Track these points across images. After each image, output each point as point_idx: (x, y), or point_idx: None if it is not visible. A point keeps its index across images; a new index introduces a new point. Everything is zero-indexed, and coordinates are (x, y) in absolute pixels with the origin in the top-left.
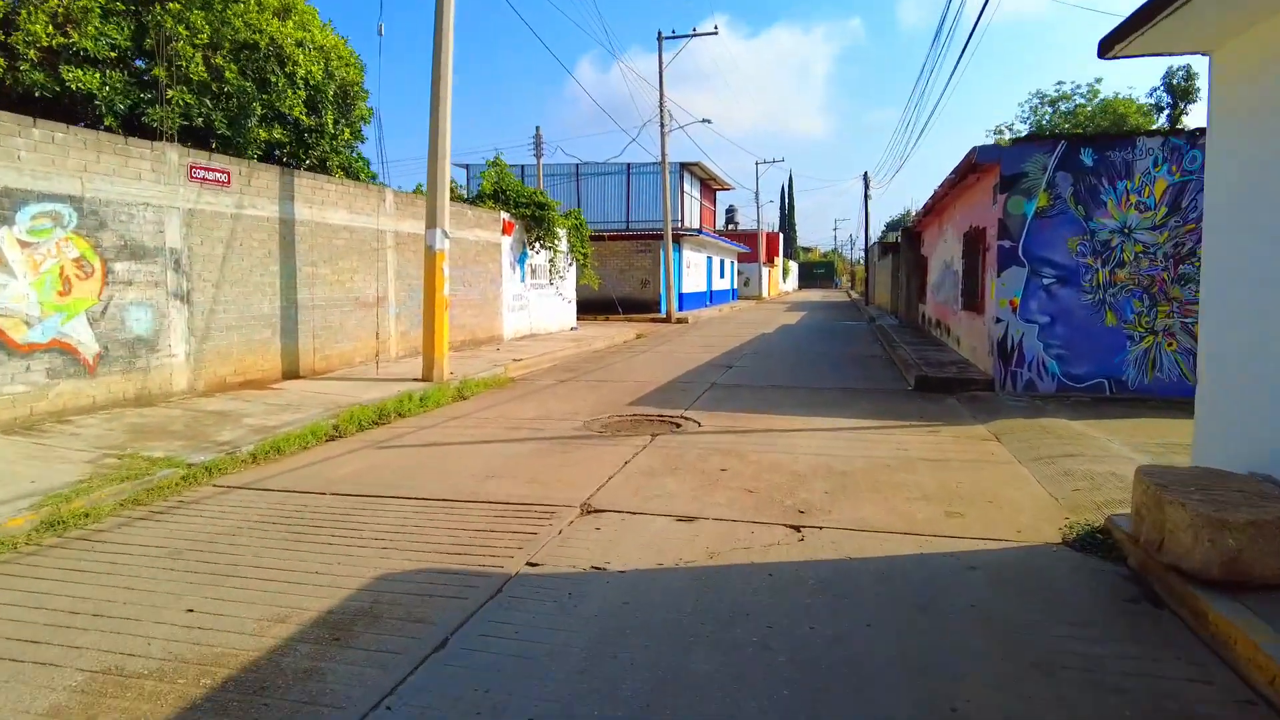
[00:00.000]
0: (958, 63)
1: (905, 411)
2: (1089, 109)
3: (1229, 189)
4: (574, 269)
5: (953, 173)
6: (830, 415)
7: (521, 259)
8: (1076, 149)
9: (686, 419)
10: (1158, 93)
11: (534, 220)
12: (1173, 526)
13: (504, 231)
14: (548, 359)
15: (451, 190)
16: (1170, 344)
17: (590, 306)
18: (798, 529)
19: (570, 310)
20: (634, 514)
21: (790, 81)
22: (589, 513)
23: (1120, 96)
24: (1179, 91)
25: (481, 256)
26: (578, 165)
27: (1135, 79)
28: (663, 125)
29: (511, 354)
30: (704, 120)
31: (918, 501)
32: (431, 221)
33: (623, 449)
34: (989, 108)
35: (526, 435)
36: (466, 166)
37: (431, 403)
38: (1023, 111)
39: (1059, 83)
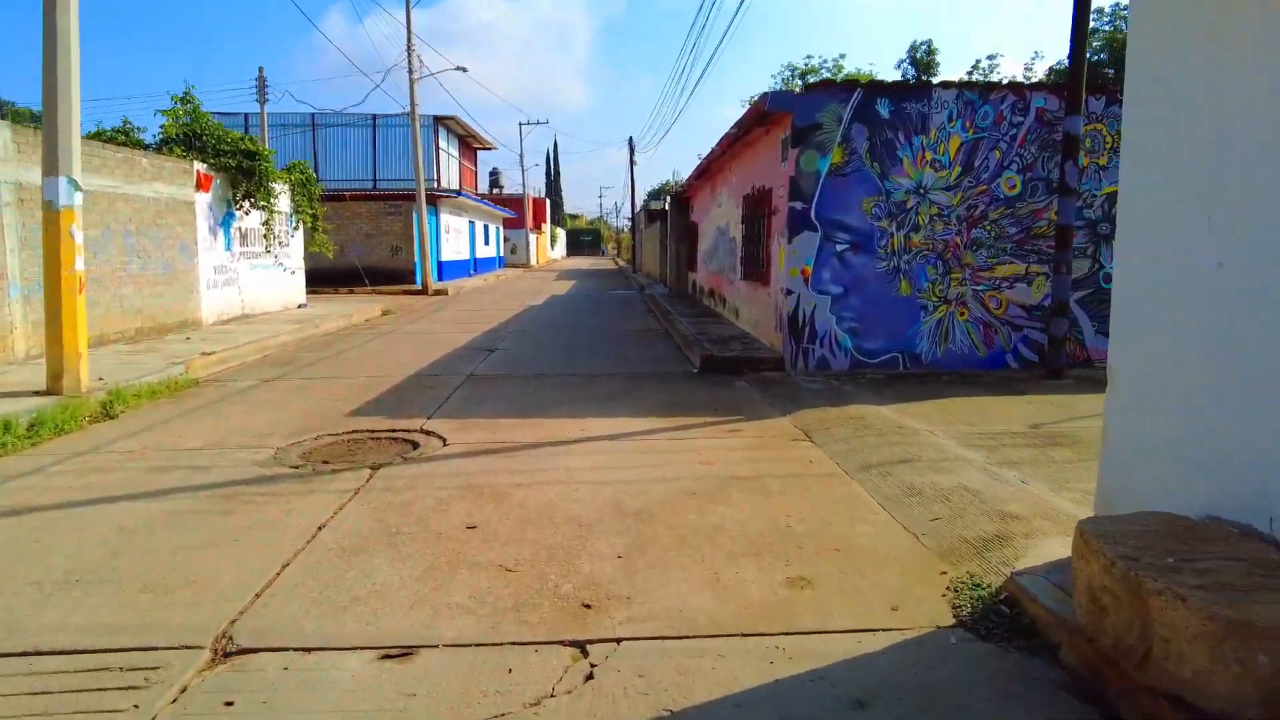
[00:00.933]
0: (723, 38)
1: (697, 402)
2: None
3: (1164, 136)
4: (300, 234)
5: (735, 126)
6: (613, 414)
7: (226, 222)
8: (873, 99)
9: (428, 434)
10: (903, 65)
11: (242, 173)
12: (1170, 633)
13: (199, 187)
14: (256, 349)
15: (125, 135)
16: (962, 313)
17: (329, 278)
18: (584, 649)
19: (296, 284)
20: (309, 651)
21: (552, 47)
22: (225, 657)
23: (863, 71)
24: (922, 65)
25: (166, 218)
26: (313, 115)
27: (878, 55)
28: (411, 69)
29: (206, 344)
30: (459, 68)
31: (746, 560)
32: (52, 166)
33: (320, 500)
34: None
35: (175, 484)
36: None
37: (49, 429)
38: (775, 84)
39: (808, 56)
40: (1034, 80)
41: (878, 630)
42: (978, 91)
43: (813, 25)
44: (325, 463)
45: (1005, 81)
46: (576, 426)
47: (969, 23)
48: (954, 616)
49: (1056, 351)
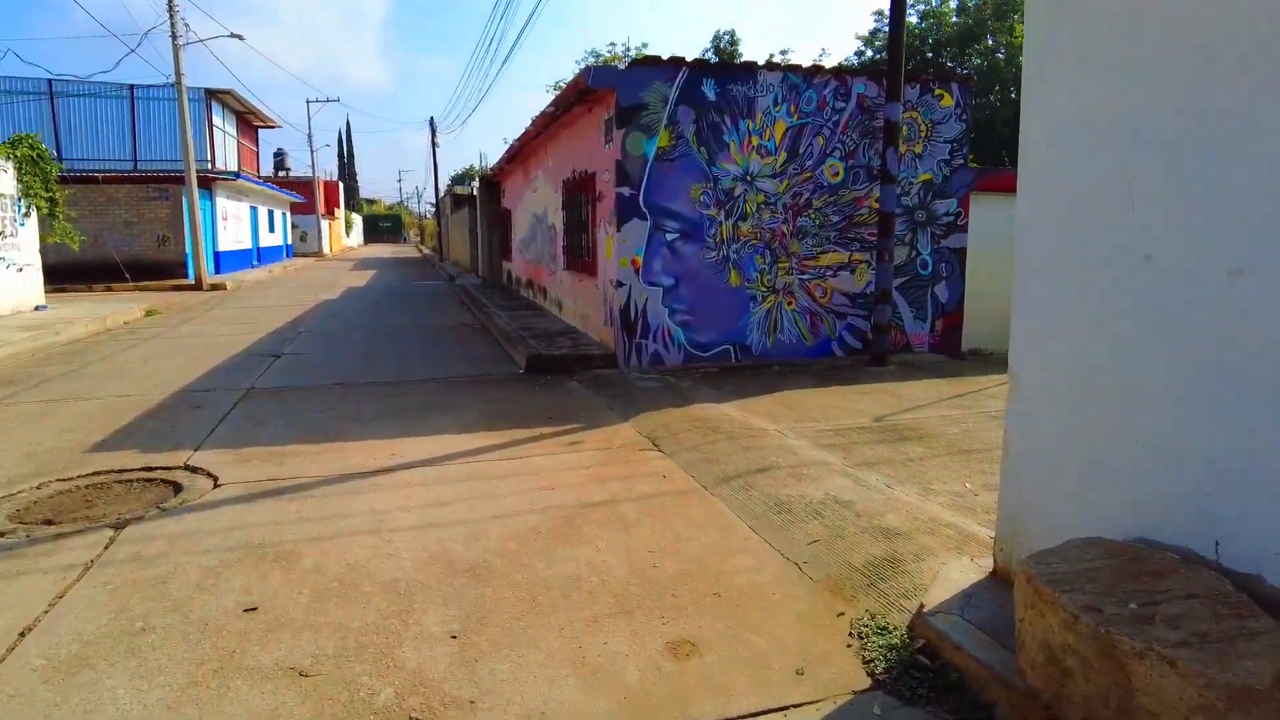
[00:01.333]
0: (531, 17)
1: (528, 410)
2: None
3: (1074, 107)
4: (33, 222)
5: (553, 104)
6: (430, 429)
7: None
8: (699, 78)
9: (195, 471)
10: (708, 54)
11: None
12: (1158, 705)
13: None
14: None
15: None
16: (790, 303)
17: (79, 274)
18: None
19: (29, 283)
20: None
21: (345, 20)
22: None
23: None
24: (725, 56)
25: None
26: (51, 81)
27: (682, 45)
28: (175, 33)
29: None
30: (235, 35)
31: (615, 623)
32: None
33: (32, 585)
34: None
35: None
36: None
37: None
38: (578, 69)
39: (611, 44)
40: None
41: (789, 709)
42: (802, 75)
43: (618, 13)
44: (48, 523)
45: (828, 66)
46: (387, 450)
47: (767, 16)
48: (869, 675)
49: (880, 338)
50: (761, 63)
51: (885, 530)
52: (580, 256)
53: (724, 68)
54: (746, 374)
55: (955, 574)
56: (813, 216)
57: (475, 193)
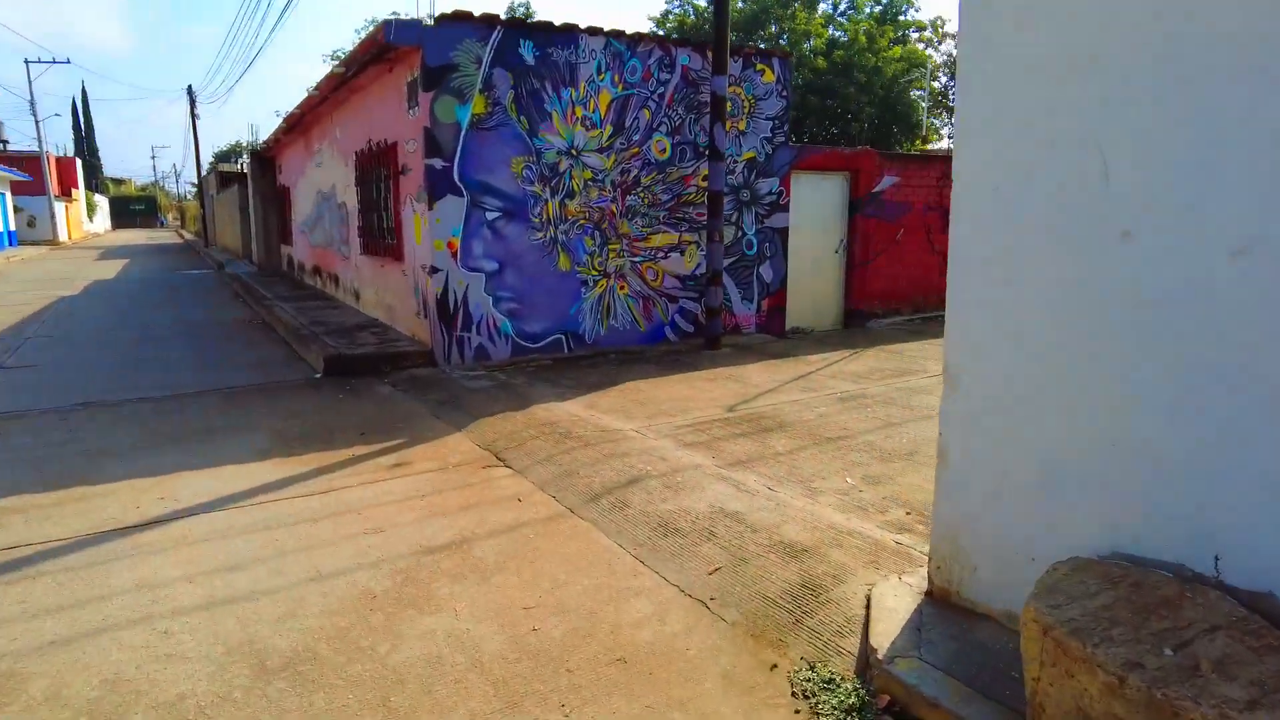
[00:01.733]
0: None
1: (334, 424)
2: None
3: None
4: None
5: (343, 64)
6: (212, 459)
7: None
8: (516, 39)
9: None
10: None
11: None
12: None
13: None
14: None
15: None
16: (622, 287)
17: None
18: None
19: None
20: None
21: None
22: None
23: None
24: None
25: None
26: None
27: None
28: None
29: None
30: None
31: None
32: None
33: None
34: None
35: None
36: None
37: None
38: (359, 39)
39: (394, 13)
40: None
41: None
42: (625, 42)
43: None
44: None
45: (650, 34)
46: (155, 492)
47: None
48: None
49: (713, 321)
50: (583, 26)
51: (789, 547)
52: (381, 239)
53: (543, 28)
54: (583, 365)
55: (890, 600)
56: (641, 195)
57: (246, 169)
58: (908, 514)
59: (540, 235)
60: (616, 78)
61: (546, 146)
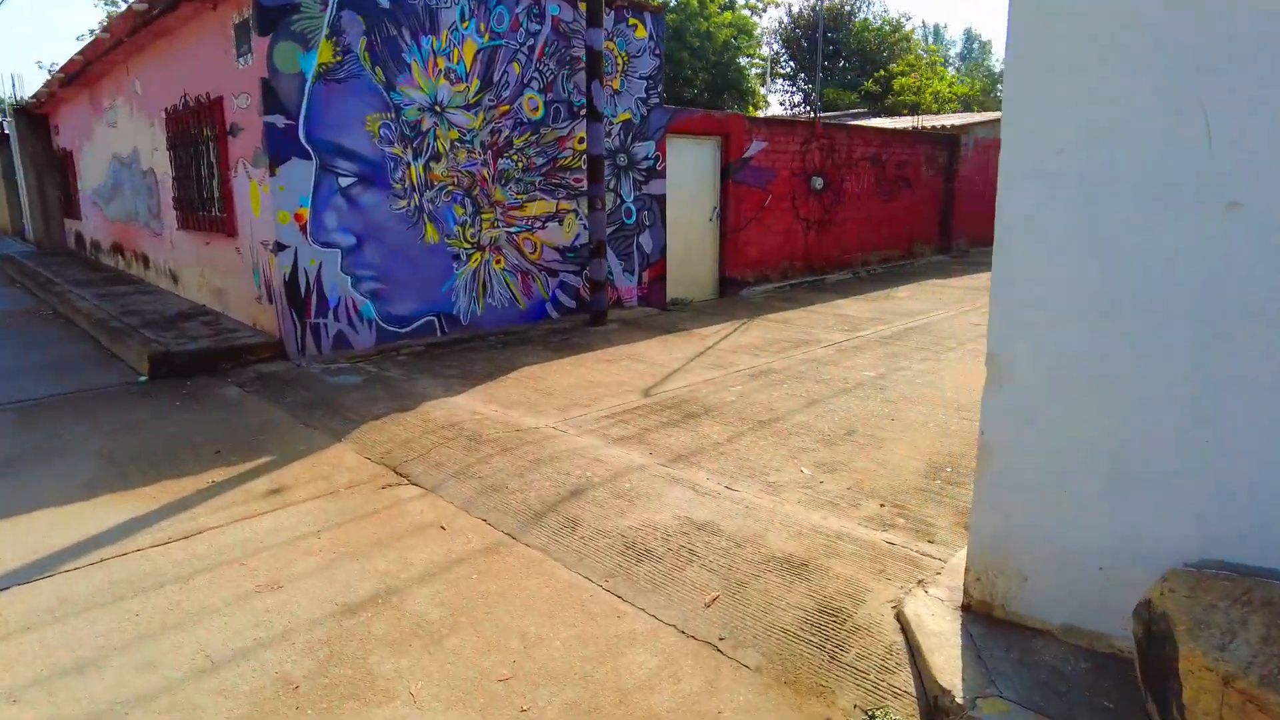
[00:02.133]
0: None
1: (177, 442)
2: None
3: None
4: None
5: (144, 1)
6: (21, 503)
7: None
8: None
9: None
10: None
11: None
12: None
13: None
14: None
15: None
16: (499, 261)
17: None
18: None
19: None
20: None
21: None
22: None
23: None
24: None
25: None
26: None
27: None
28: None
29: None
30: None
31: None
32: None
33: None
34: None
35: None
36: None
37: None
38: None
39: None
40: None
41: None
42: None
43: None
44: None
45: None
46: None
47: None
48: None
49: (598, 296)
50: None
51: (784, 562)
52: (205, 211)
53: None
54: (463, 351)
55: (928, 621)
56: (515, 159)
57: (9, 130)
58: (881, 506)
59: (403, 204)
60: (482, 26)
61: (406, 102)
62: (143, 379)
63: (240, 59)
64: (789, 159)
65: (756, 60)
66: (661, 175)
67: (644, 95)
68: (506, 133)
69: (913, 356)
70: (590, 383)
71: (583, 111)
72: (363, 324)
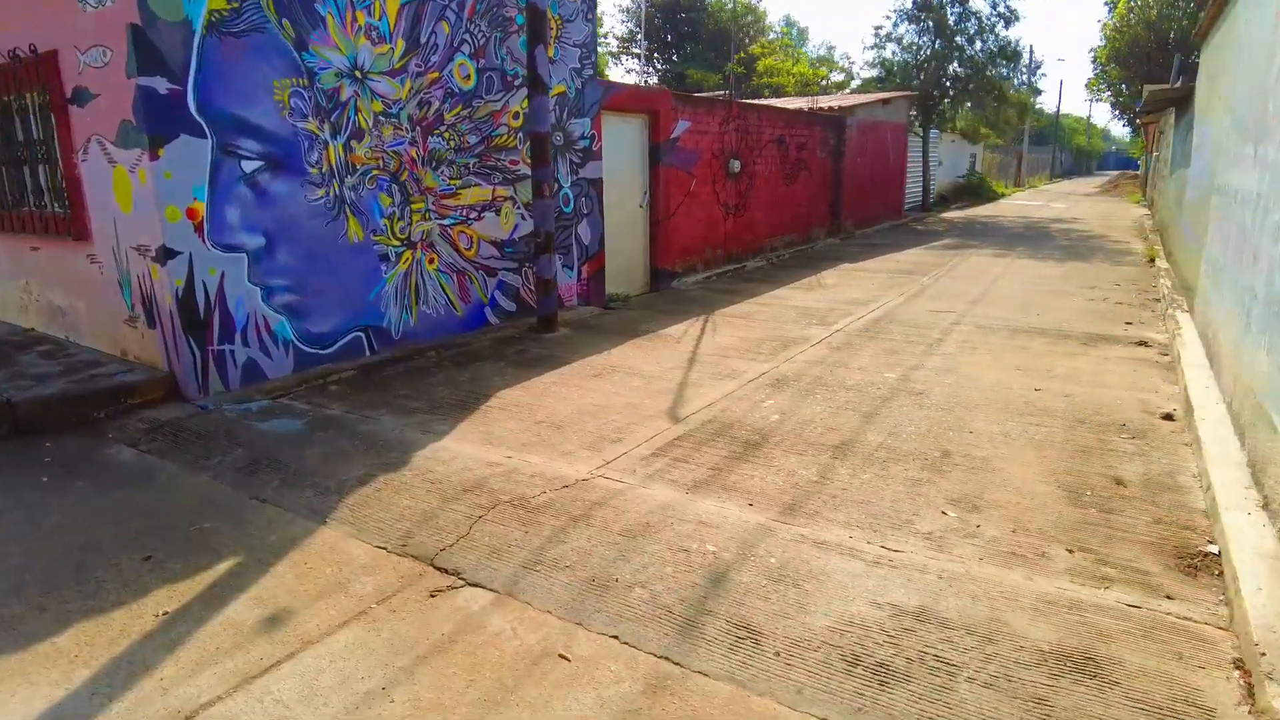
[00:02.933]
0: None
1: (72, 555)
2: None
3: None
4: None
5: None
6: None
7: None
8: None
9: None
10: None
11: None
12: None
13: None
14: None
15: None
16: (432, 260)
17: None
18: None
19: None
20: None
21: None
22: None
23: None
24: None
25: None
26: None
27: None
28: None
29: None
30: None
31: None
32: None
33: None
34: None
35: None
36: None
37: None
38: None
39: None
40: None
41: None
42: None
43: None
44: None
45: None
46: None
47: None
48: None
49: (547, 298)
50: None
51: (1064, 660)
52: (29, 207)
53: None
54: (408, 373)
55: None
56: (446, 136)
57: None
58: (1070, 552)
59: (321, 193)
60: None
61: (322, 65)
62: None
63: (102, 3)
64: (710, 140)
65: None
66: (598, 156)
67: (578, 65)
68: (436, 105)
69: (912, 353)
70: (596, 407)
71: (518, 81)
72: (278, 347)
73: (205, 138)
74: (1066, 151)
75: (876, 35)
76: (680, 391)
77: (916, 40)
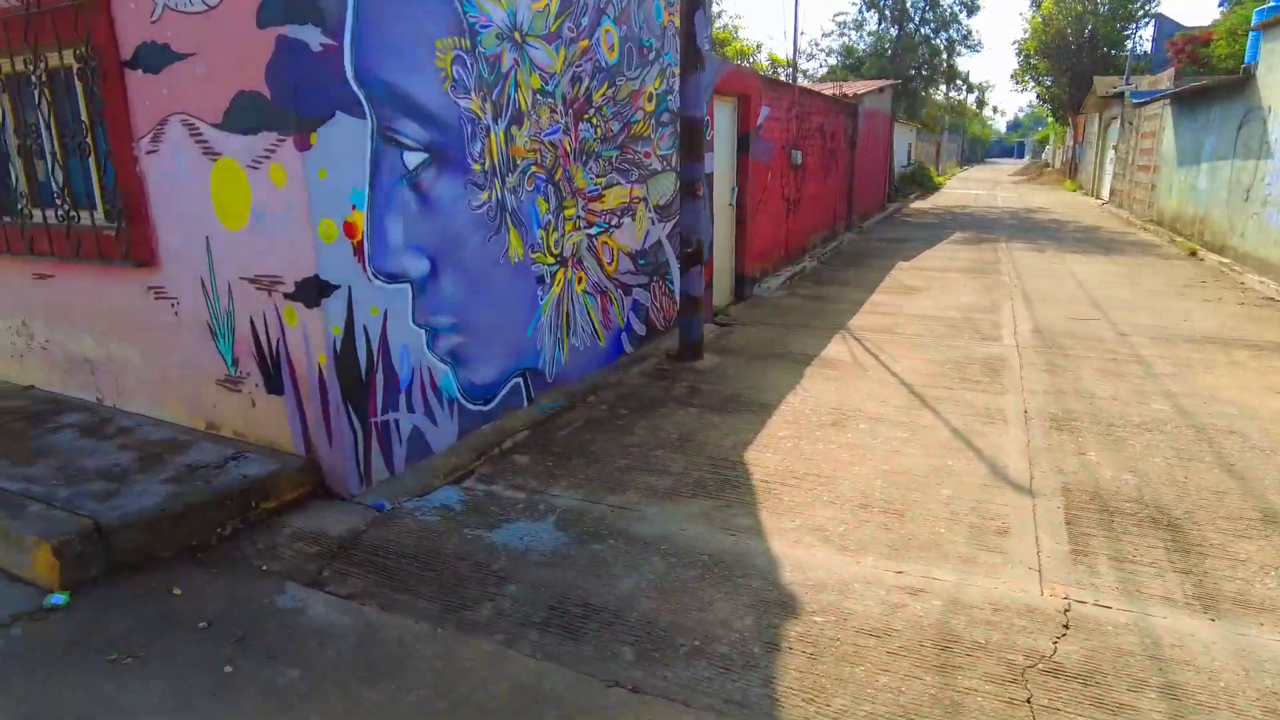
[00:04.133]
0: None
1: None
2: None
3: None
4: None
5: None
6: None
7: None
8: None
9: None
10: None
11: None
12: None
13: None
14: None
15: None
16: (580, 281)
17: None
18: None
19: None
20: None
21: None
22: None
23: None
24: None
25: None
26: None
27: None
28: None
29: None
30: None
31: None
32: None
33: None
34: None
35: None
36: None
37: None
38: None
39: None
40: None
41: None
42: None
43: None
44: None
45: None
46: None
47: None
48: None
49: (692, 319)
50: None
51: None
52: (54, 218)
53: None
54: (588, 428)
55: None
56: (594, 123)
57: None
58: None
59: (484, 197)
60: None
61: (483, 23)
62: (57, 598)
63: None
64: (779, 129)
65: None
66: (711, 148)
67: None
68: (586, 82)
69: (1132, 374)
70: (895, 474)
71: (651, 55)
72: (442, 407)
73: (364, 118)
74: (960, 140)
75: (838, 23)
76: (970, 443)
77: (877, 29)
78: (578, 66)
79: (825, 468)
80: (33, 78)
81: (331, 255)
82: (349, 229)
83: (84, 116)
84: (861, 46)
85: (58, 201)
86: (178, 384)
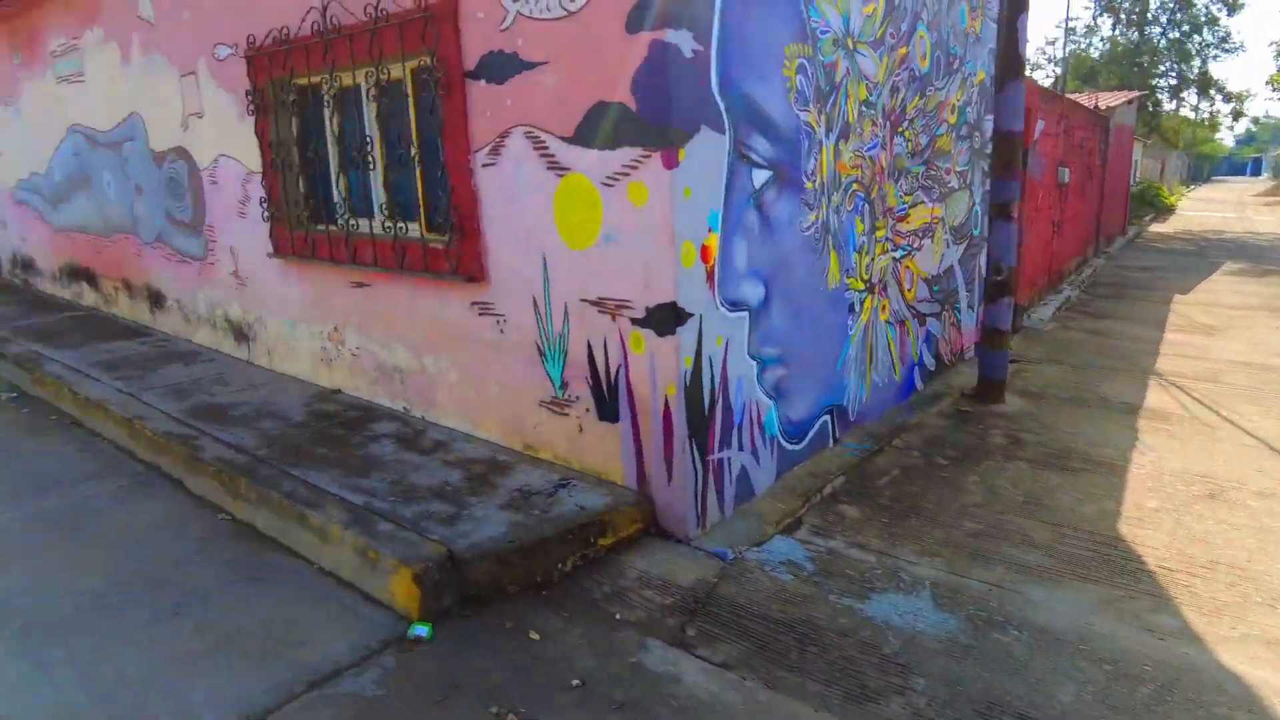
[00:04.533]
0: None
1: None
2: None
3: None
4: None
5: None
6: None
7: None
8: None
9: None
10: None
11: None
12: None
13: None
14: None
15: None
16: (884, 309)
17: None
18: None
19: None
20: None
21: None
22: None
23: None
24: None
25: None
26: None
27: None
28: None
29: None
30: None
31: None
32: None
33: None
34: None
35: None
36: None
37: None
38: None
39: None
40: None
41: None
42: None
43: None
44: None
45: None
46: None
47: None
48: None
49: (997, 355)
50: None
51: None
52: (379, 228)
53: None
54: (904, 477)
55: None
56: (907, 136)
57: None
58: None
59: (813, 218)
60: None
61: (823, 29)
62: (420, 630)
63: None
64: (1049, 144)
65: None
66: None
67: (993, 44)
68: (902, 92)
69: None
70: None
71: (956, 64)
72: (765, 445)
73: (723, 132)
74: (1184, 156)
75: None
76: None
77: (1113, 34)
78: (896, 75)
79: (1232, 555)
80: (366, 91)
81: (688, 281)
82: (704, 253)
83: (413, 128)
84: (1095, 54)
85: (384, 213)
86: (496, 402)
